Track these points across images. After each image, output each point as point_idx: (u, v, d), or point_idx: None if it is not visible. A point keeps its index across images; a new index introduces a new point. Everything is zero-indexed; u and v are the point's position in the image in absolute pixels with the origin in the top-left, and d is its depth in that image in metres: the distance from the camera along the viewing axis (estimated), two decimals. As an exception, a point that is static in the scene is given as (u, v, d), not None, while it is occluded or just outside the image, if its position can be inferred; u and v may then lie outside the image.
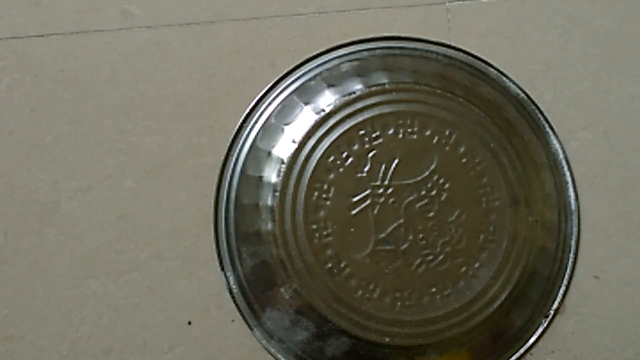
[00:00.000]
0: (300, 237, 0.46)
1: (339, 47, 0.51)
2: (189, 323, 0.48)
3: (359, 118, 0.47)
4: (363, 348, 0.46)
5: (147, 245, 0.48)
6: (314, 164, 0.46)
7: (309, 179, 0.46)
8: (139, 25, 0.50)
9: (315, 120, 0.47)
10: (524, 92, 0.51)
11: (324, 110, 0.47)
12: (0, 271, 0.48)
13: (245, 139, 0.49)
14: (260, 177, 0.47)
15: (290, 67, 0.50)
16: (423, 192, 0.47)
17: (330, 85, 0.49)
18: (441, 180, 0.47)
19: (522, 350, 0.48)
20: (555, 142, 0.50)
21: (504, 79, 0.51)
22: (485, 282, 0.46)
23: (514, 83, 0.51)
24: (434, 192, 0.47)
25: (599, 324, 0.49)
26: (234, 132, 0.49)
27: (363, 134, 0.47)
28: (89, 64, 0.50)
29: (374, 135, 0.47)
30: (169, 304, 0.48)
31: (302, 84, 0.50)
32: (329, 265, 0.46)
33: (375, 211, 0.46)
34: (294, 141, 0.47)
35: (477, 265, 0.46)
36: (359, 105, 0.47)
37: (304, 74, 0.50)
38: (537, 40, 0.51)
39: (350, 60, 0.50)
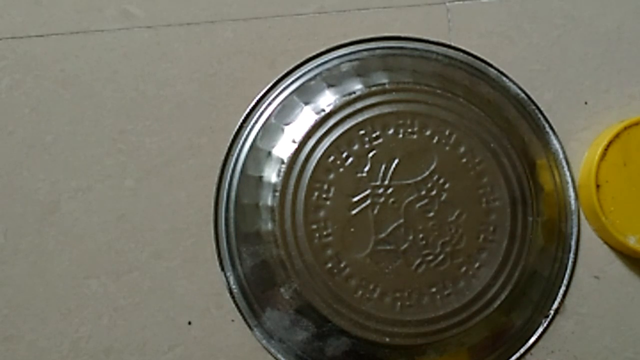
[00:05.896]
0: (300, 237, 0.46)
1: (339, 47, 0.50)
2: (189, 323, 0.48)
3: (359, 118, 0.47)
4: (363, 348, 0.46)
5: (147, 245, 0.48)
6: (314, 164, 0.46)
7: (309, 179, 0.46)
8: (139, 25, 0.50)
9: (315, 120, 0.47)
10: (524, 92, 0.51)
11: (324, 110, 0.47)
12: (0, 271, 0.48)
13: (245, 139, 0.49)
14: (260, 177, 0.47)
15: (290, 67, 0.50)
16: (423, 192, 0.47)
17: (330, 85, 0.49)
18: (441, 180, 0.47)
19: (522, 350, 0.48)
20: (555, 142, 0.50)
21: (504, 79, 0.51)
22: (485, 282, 0.46)
23: (514, 83, 0.51)
24: (434, 192, 0.47)
25: (599, 324, 0.49)
26: (234, 132, 0.49)
27: (363, 134, 0.47)
28: (89, 64, 0.50)
29: (374, 135, 0.47)
30: (169, 304, 0.48)
31: (302, 84, 0.50)
32: (329, 265, 0.46)
33: (375, 211, 0.46)
34: (294, 141, 0.47)
35: (477, 265, 0.46)
36: (359, 105, 0.47)
37: (304, 74, 0.50)
38: (537, 40, 0.51)
39: (350, 60, 0.50)
